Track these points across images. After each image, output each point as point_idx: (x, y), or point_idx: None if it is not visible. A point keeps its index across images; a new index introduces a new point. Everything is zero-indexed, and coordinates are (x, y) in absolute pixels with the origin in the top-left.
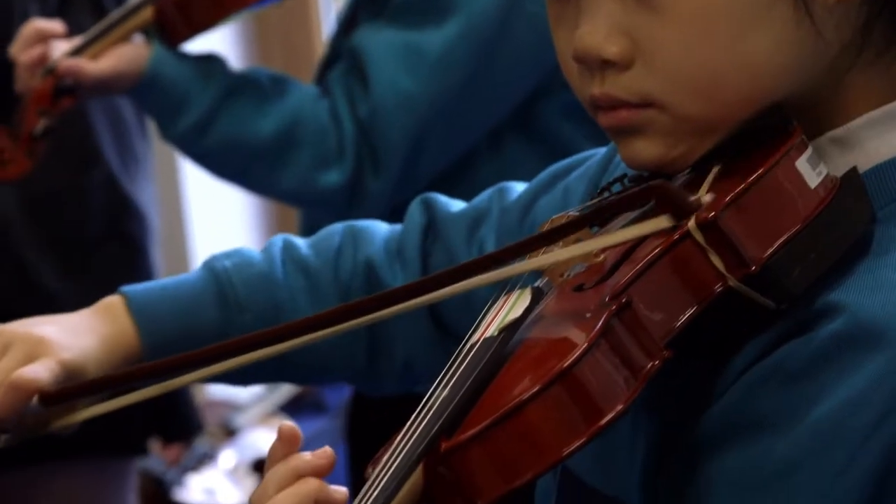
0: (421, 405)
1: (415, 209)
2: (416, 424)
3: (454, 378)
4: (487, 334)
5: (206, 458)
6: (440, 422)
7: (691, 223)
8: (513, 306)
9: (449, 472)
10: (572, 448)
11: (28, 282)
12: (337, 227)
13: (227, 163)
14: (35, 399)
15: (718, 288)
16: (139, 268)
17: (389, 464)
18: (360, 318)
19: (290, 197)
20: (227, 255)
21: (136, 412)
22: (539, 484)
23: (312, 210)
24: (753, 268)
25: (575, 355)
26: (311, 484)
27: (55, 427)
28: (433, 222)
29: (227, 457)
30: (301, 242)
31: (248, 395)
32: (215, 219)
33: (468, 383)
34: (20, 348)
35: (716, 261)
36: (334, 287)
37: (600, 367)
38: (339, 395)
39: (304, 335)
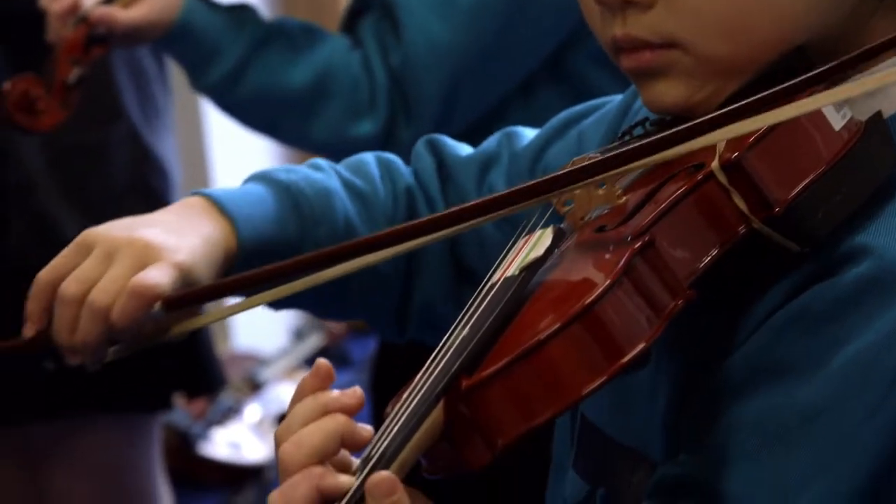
0: (440, 344)
1: (422, 149)
2: (435, 363)
3: (474, 317)
4: (508, 273)
5: (231, 412)
6: (460, 359)
7: (714, 163)
8: (534, 246)
9: (469, 410)
10: (593, 386)
11: (51, 235)
12: (368, 157)
13: (259, 113)
14: (157, 306)
15: (742, 230)
16: None
17: (408, 402)
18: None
19: (322, 148)
20: (287, 170)
21: (161, 367)
22: (558, 433)
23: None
24: (777, 209)
25: (597, 293)
26: (338, 419)
27: (173, 334)
28: (443, 164)
29: (253, 411)
30: (341, 167)
31: (273, 349)
32: (239, 172)
33: (489, 322)
34: (128, 254)
35: (739, 202)
36: (383, 214)
37: (622, 306)
38: (365, 349)
39: (400, 243)
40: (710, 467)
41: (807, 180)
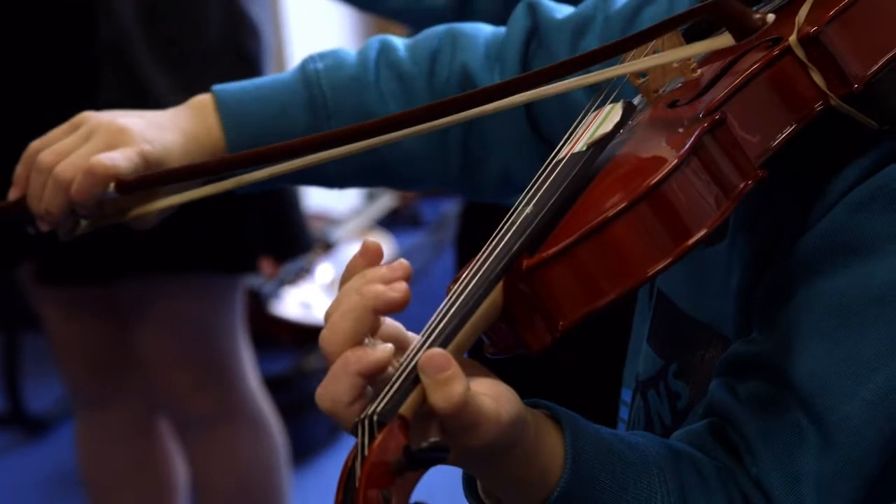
0: (502, 222)
1: (520, 12)
2: (496, 241)
3: (538, 194)
4: (575, 150)
5: (303, 272)
6: (522, 238)
7: (792, 38)
8: (603, 121)
9: (530, 290)
10: (658, 268)
11: (142, 94)
12: (438, 30)
13: None
14: (112, 187)
15: (819, 106)
16: None
17: (467, 281)
18: (452, 116)
19: (397, 14)
20: (322, 56)
21: (247, 229)
22: (639, 309)
23: (419, 29)
24: (856, 85)
25: (663, 172)
26: (364, 293)
27: (132, 216)
28: (537, 28)
29: (324, 270)
30: (399, 44)
31: (345, 209)
32: (314, 41)
33: (553, 200)
34: (102, 136)
35: (817, 78)
36: (428, 93)
37: (690, 186)
38: (435, 210)
39: (388, 132)
40: (781, 346)
41: (888, 55)
